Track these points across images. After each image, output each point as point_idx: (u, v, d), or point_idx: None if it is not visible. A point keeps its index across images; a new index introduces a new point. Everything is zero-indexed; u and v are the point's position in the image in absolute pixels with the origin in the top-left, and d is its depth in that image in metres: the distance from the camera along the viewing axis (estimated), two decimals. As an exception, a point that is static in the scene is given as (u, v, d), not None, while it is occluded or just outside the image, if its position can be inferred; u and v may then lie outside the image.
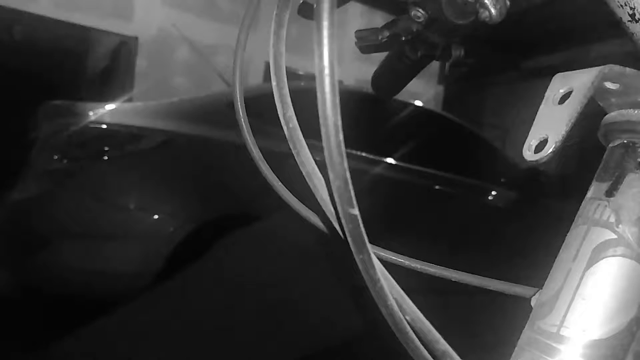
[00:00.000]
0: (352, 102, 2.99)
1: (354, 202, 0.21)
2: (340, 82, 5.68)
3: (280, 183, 0.43)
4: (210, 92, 2.70)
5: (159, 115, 2.36)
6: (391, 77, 0.60)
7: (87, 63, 5.19)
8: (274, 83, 0.32)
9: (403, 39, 0.49)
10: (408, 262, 0.39)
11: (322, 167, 0.36)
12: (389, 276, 0.28)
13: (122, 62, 5.05)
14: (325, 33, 0.20)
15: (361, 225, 0.22)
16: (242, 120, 0.44)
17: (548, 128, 0.30)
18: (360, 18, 6.65)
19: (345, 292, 2.37)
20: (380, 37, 0.50)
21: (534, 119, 0.32)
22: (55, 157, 2.16)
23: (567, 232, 0.33)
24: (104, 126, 2.25)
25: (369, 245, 0.23)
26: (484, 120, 8.05)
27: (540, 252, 2.78)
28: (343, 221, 0.22)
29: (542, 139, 0.30)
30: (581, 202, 0.32)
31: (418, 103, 3.59)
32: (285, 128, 0.32)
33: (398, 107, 3.14)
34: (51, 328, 2.05)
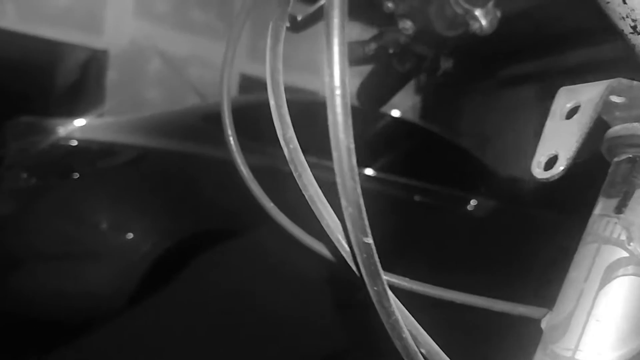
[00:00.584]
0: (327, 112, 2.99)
1: (368, 230, 0.20)
2: (317, 94, 5.70)
3: (273, 205, 0.42)
4: (184, 106, 2.67)
5: (132, 130, 2.32)
6: (378, 89, 0.60)
7: (56, 78, 5.10)
8: (272, 102, 0.31)
9: (391, 51, 0.49)
10: (417, 286, 0.37)
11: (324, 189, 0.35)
12: (403, 308, 0.27)
13: (93, 75, 4.97)
14: (336, 50, 0.19)
15: (375, 255, 0.21)
16: (231, 138, 0.42)
17: (557, 144, 0.29)
18: (335, 29, 6.69)
19: (329, 305, 2.35)
20: (367, 50, 0.50)
21: (534, 134, 0.31)
22: (24, 175, 2.10)
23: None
24: (74, 143, 2.20)
25: (383, 276, 0.21)
26: (462, 129, 8.15)
27: (523, 261, 2.83)
28: (356, 250, 0.21)
29: (551, 156, 0.29)
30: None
31: (396, 113, 3.62)
32: (285, 150, 0.30)
33: (376, 118, 3.15)
34: (25, 352, 1.99)
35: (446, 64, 0.51)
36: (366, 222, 0.20)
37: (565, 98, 0.31)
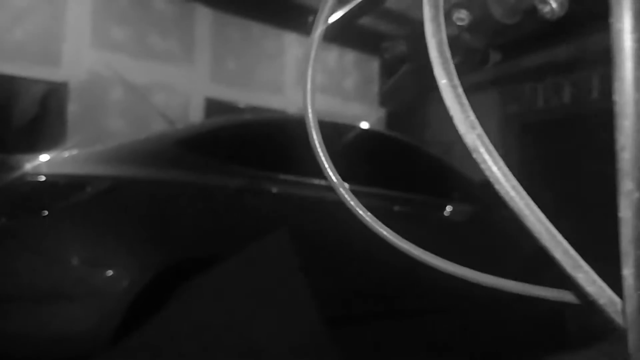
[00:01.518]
0: (301, 130, 2.97)
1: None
2: (283, 112, 5.68)
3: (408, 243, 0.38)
4: (153, 133, 2.59)
5: (101, 161, 2.23)
6: (413, 89, 0.57)
7: (14, 113, 4.92)
8: (443, 81, 0.26)
9: None
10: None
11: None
12: None
13: (53, 109, 4.82)
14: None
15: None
16: (329, 170, 0.39)
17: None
18: (296, 47, 6.72)
19: (308, 330, 2.30)
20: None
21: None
22: (-9, 216, 1.99)
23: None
24: (42, 178, 2.10)
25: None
26: (427, 137, 8.25)
27: (500, 259, 2.84)
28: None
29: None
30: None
31: (365, 126, 3.62)
32: (470, 136, 0.26)
33: (347, 131, 3.14)
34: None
35: (496, 56, 0.49)
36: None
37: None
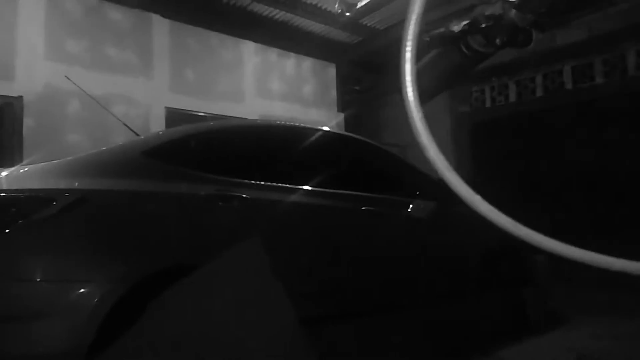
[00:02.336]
0: (265, 135, 2.92)
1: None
2: (245, 119, 5.60)
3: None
4: (119, 143, 2.48)
5: (66, 174, 2.11)
6: (443, 75, 0.54)
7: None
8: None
9: (483, 25, 0.44)
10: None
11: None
12: None
13: (7, 124, 4.57)
14: None
15: None
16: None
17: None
18: (254, 56, 6.66)
19: (288, 331, 2.26)
20: (456, 28, 0.44)
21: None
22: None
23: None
24: (2, 194, 1.97)
25: None
26: (384, 140, 8.34)
27: (466, 250, 2.88)
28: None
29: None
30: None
31: (326, 129, 3.61)
32: None
33: (311, 134, 3.12)
34: None
35: (539, 35, 0.47)
36: None
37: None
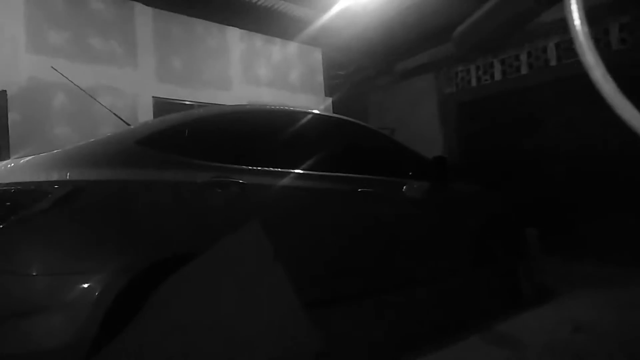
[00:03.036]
0: (258, 119, 2.85)
1: None
2: (236, 105, 5.50)
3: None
4: (112, 133, 2.39)
5: (59, 166, 2.02)
6: (508, 23, 0.49)
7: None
8: None
9: None
10: None
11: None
12: None
13: (-8, 119, 4.43)
14: None
15: None
16: None
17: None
18: (240, 42, 6.54)
19: (291, 315, 2.23)
20: None
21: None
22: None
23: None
24: (-6, 189, 1.89)
25: None
26: (370, 124, 8.32)
27: (459, 228, 2.87)
28: None
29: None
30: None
31: (317, 112, 3.54)
32: None
33: (301, 117, 3.05)
34: None
35: None
36: None
37: None
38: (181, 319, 1.87)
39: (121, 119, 2.95)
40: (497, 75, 6.85)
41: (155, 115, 5.44)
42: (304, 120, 3.01)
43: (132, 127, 2.52)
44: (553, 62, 6.13)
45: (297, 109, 3.18)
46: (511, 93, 6.64)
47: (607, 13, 5.35)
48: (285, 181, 2.57)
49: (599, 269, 4.71)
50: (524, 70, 6.49)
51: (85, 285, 1.79)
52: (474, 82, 7.24)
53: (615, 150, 5.12)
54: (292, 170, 2.65)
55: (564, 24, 0.52)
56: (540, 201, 5.69)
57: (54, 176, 1.97)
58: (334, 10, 6.39)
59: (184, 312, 1.90)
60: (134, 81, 5.46)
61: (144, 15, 5.63)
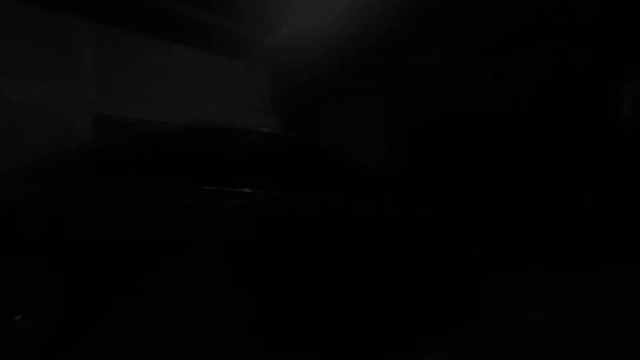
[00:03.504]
0: (203, 137, 2.76)
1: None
2: (170, 124, 5.36)
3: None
4: (47, 154, 2.24)
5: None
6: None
7: None
8: None
9: None
10: None
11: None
12: None
13: None
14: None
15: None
16: None
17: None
18: (186, 60, 6.43)
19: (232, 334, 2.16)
20: None
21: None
22: None
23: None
24: None
25: None
26: (320, 140, 8.35)
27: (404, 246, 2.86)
28: None
29: None
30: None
31: (266, 130, 3.49)
32: None
33: (249, 136, 2.99)
34: None
35: None
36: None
37: None
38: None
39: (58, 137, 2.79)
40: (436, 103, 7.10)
41: (95, 132, 5.22)
42: (249, 138, 2.96)
43: (67, 147, 2.39)
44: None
45: (242, 127, 3.12)
46: (451, 114, 6.88)
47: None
48: (229, 201, 2.50)
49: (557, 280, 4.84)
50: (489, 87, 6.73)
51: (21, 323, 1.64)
52: (419, 102, 7.46)
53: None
54: (238, 190, 2.59)
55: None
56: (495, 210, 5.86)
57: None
58: (284, 30, 6.42)
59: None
60: (74, 98, 5.22)
61: (85, 30, 5.42)
